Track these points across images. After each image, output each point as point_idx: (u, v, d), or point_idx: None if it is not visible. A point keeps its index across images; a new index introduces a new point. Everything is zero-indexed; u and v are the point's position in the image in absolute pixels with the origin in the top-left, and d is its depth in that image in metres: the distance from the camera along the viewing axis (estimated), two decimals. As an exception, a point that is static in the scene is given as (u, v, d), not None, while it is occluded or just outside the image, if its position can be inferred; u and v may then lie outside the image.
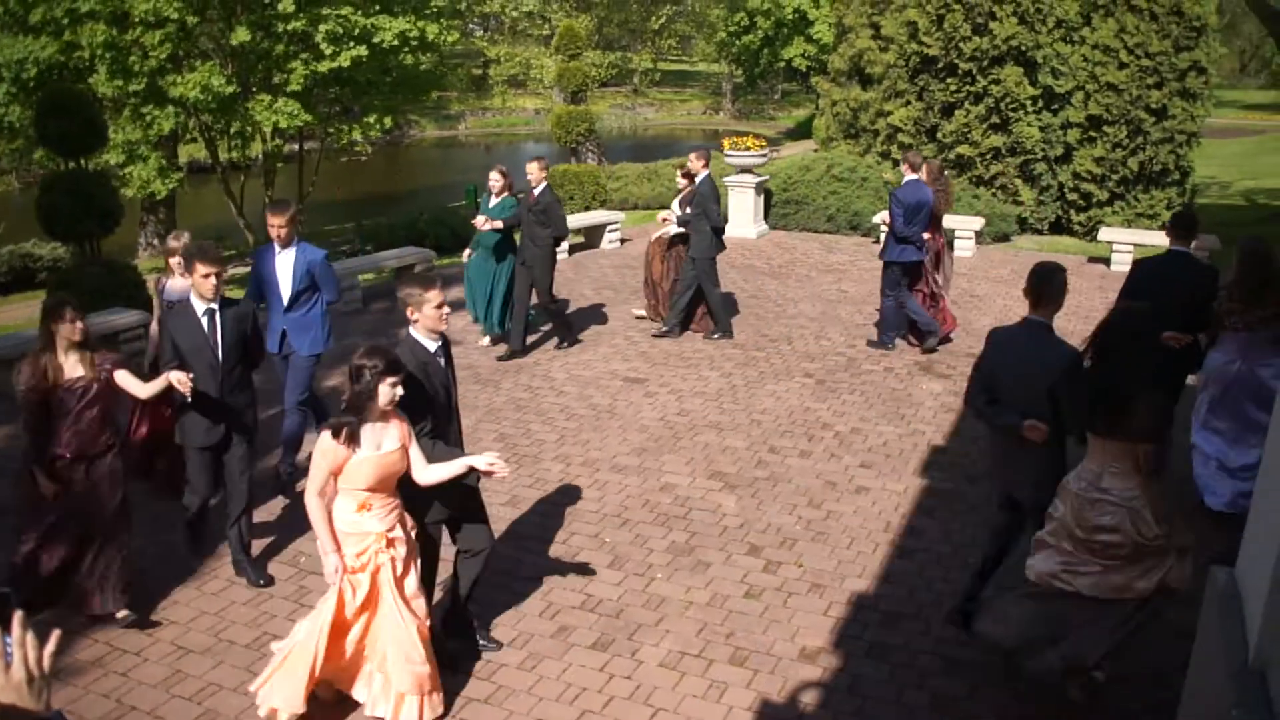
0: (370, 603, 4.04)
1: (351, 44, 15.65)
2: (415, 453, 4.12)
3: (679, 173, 9.70)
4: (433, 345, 4.37)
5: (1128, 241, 12.53)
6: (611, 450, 7.13)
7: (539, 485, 6.55)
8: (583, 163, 18.74)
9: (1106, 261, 12.71)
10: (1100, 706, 4.31)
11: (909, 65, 14.84)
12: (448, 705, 4.30)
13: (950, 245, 13.21)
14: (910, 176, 8.87)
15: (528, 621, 5.01)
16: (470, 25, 41.46)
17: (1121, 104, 13.78)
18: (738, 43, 38.48)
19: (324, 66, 15.68)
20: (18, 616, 1.64)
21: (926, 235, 8.89)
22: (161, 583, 5.33)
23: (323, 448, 3.96)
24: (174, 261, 6.31)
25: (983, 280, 12.09)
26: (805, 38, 35.31)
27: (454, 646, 4.65)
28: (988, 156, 14.55)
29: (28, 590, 4.67)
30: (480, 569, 4.59)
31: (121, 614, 4.88)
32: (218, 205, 19.88)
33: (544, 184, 8.93)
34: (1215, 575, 3.51)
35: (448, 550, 4.69)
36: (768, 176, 14.92)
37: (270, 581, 5.37)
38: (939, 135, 14.82)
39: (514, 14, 43.86)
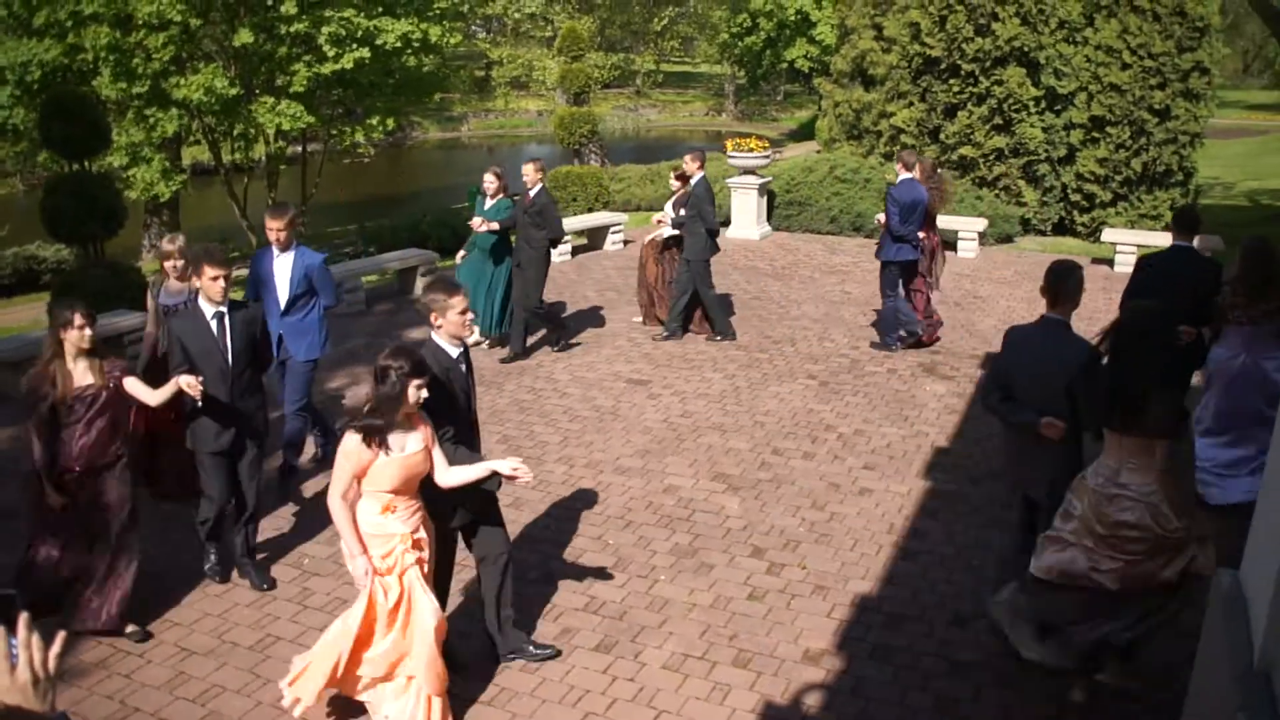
0: (402, 604, 4.02)
1: (354, 46, 15.67)
2: (438, 454, 4.10)
3: (672, 174, 9.71)
4: (455, 351, 4.32)
5: (1131, 242, 12.52)
6: (615, 452, 7.13)
7: (542, 487, 6.54)
8: (585, 164, 18.74)
9: (1110, 263, 12.69)
10: (1102, 708, 4.30)
11: (911, 66, 14.84)
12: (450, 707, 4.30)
13: (954, 247, 13.28)
14: (904, 175, 8.90)
15: (531, 623, 5.01)
16: (473, 27, 41.46)
17: (1124, 105, 13.77)
18: (740, 44, 38.50)
19: (327, 68, 15.71)
20: (23, 618, 1.64)
21: (922, 234, 8.91)
22: (164, 584, 5.33)
23: (347, 450, 3.90)
24: (169, 265, 6.21)
25: (986, 281, 12.08)
26: (808, 39, 35.36)
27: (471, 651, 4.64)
28: (991, 157, 14.55)
29: (35, 596, 4.66)
30: (500, 578, 4.54)
31: (130, 629, 4.85)
32: (221, 207, 19.92)
33: (539, 185, 8.92)
34: (1220, 577, 3.51)
35: (462, 553, 4.68)
36: (770, 178, 14.92)
37: (273, 585, 5.37)
38: (942, 136, 14.82)
39: (517, 16, 43.88)
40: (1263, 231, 10.45)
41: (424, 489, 4.13)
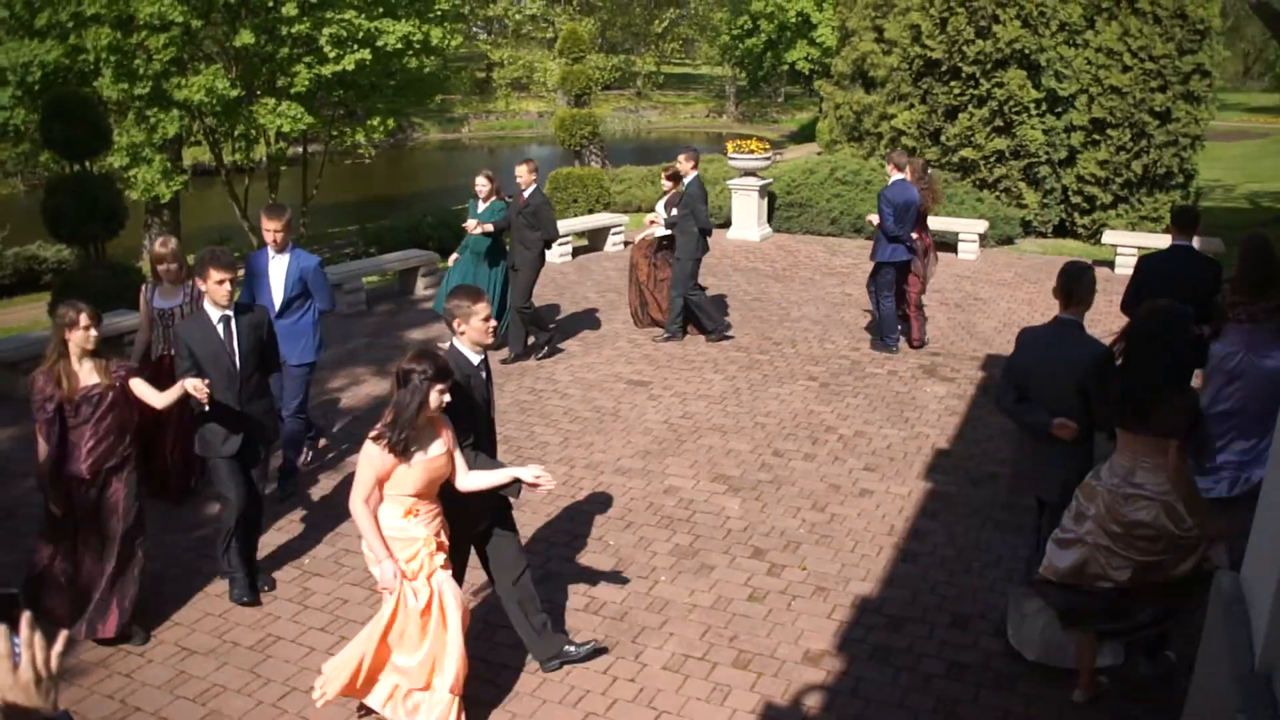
0: (433, 607, 4.00)
1: (355, 47, 15.70)
2: (459, 458, 4.08)
3: (664, 174, 9.71)
4: (476, 358, 4.28)
5: (1132, 244, 12.51)
6: (615, 453, 7.13)
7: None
8: (586, 165, 18.75)
9: (1111, 265, 12.70)
10: (1103, 709, 4.30)
11: (912, 68, 14.85)
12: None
13: (955, 248, 13.29)
14: (896, 176, 8.92)
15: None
16: (474, 28, 41.57)
17: (1125, 107, 13.77)
18: (741, 46, 38.52)
19: (328, 70, 15.73)
20: (25, 617, 1.65)
21: (914, 234, 8.93)
22: (164, 585, 5.33)
23: (370, 456, 3.86)
24: (162, 268, 6.16)
25: (986, 283, 12.08)
26: (808, 41, 35.36)
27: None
28: (991, 160, 14.55)
29: (42, 597, 4.66)
30: (525, 589, 4.49)
31: (136, 637, 4.85)
32: (222, 208, 19.94)
33: (533, 186, 8.91)
34: (1220, 579, 3.51)
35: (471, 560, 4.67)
36: (771, 180, 14.93)
37: (273, 585, 5.37)
38: (942, 138, 14.83)
39: (517, 17, 43.95)
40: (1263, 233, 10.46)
41: (443, 497, 4.11)
